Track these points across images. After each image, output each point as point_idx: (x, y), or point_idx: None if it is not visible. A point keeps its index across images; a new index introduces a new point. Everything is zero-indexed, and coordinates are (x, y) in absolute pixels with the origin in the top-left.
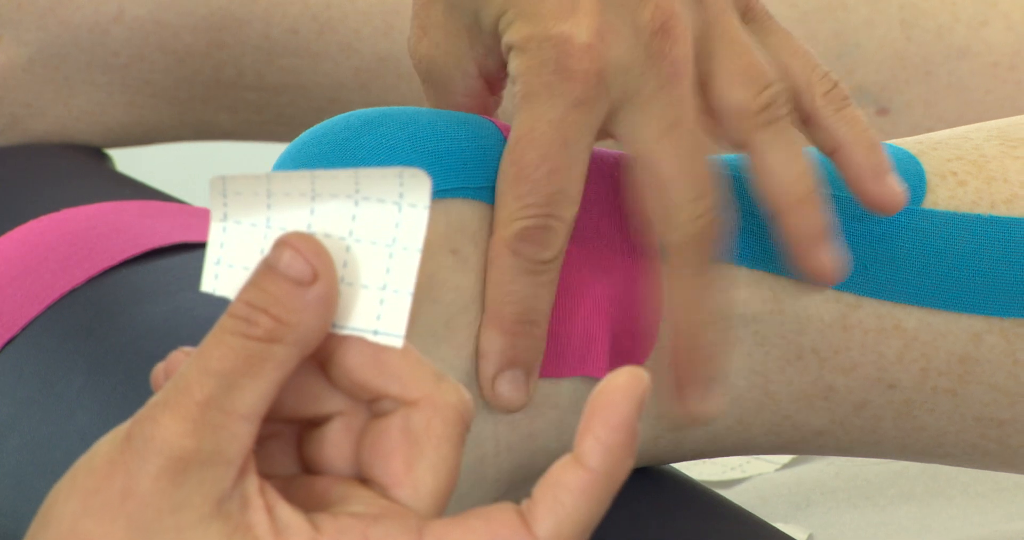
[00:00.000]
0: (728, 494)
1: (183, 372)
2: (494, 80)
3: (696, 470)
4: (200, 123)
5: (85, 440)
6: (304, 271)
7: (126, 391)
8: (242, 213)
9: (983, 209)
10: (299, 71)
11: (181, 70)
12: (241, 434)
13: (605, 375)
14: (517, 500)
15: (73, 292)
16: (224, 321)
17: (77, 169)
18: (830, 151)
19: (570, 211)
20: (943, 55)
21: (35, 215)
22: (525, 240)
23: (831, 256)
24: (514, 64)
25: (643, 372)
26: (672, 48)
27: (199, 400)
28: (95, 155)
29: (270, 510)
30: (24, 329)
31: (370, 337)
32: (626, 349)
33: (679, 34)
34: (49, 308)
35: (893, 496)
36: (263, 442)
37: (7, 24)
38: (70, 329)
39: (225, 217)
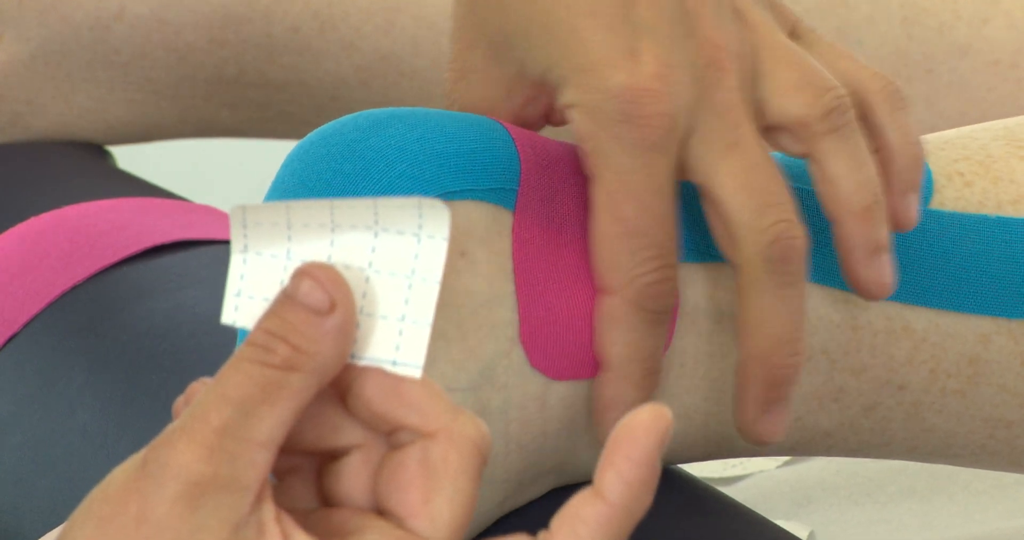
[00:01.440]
0: (729, 491)
1: (201, 400)
2: (528, 128)
3: (697, 467)
4: (201, 120)
5: (86, 437)
6: (322, 301)
7: (127, 389)
8: (262, 245)
9: (990, 210)
10: (300, 68)
11: (182, 67)
12: (258, 461)
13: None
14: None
15: (74, 289)
16: (243, 349)
17: (78, 166)
18: (874, 149)
19: (677, 254)
20: (944, 53)
21: (36, 212)
22: (651, 296)
23: (887, 269)
24: (578, 121)
25: (666, 409)
26: (722, 79)
27: (216, 427)
28: (96, 152)
29: (286, 538)
30: (25, 326)
31: (388, 368)
32: None
33: (727, 66)
34: (50, 305)
35: (894, 493)
36: (283, 476)
37: (9, 21)
38: (71, 326)
39: (245, 248)
